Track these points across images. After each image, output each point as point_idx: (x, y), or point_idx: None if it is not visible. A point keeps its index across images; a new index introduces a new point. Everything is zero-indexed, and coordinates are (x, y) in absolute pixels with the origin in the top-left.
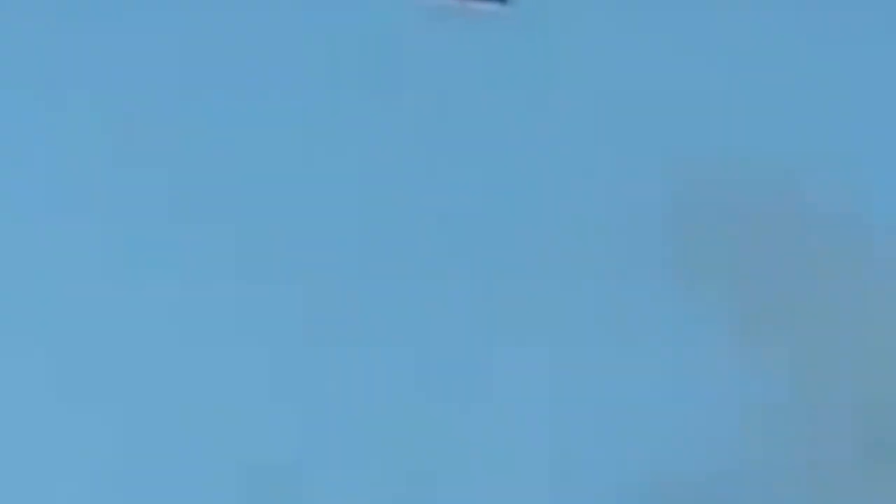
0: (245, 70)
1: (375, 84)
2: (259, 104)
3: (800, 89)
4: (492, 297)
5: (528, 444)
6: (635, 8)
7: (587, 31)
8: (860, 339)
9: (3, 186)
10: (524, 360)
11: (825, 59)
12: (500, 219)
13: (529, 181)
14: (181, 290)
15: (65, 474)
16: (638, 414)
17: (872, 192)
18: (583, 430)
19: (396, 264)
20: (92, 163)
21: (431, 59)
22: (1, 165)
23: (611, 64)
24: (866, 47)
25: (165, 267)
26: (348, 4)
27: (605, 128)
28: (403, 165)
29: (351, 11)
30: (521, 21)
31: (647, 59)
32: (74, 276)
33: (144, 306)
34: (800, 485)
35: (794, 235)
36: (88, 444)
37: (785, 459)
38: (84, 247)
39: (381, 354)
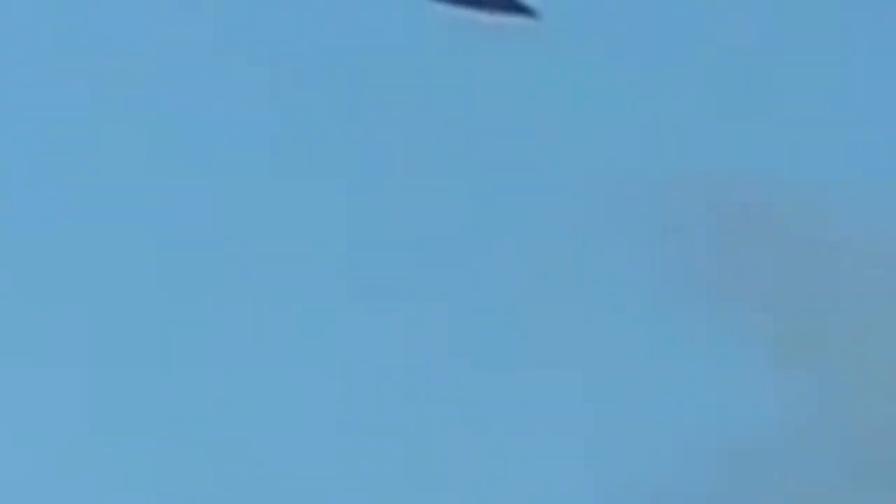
0: (257, 79)
1: (400, 95)
2: (278, 112)
3: (826, 115)
4: (522, 315)
5: (555, 456)
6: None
7: (607, 46)
8: (891, 360)
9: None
10: (559, 383)
11: (845, 87)
12: (516, 229)
13: (549, 193)
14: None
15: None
16: (665, 426)
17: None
18: (617, 442)
19: (400, 276)
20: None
21: (459, 73)
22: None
23: (626, 77)
24: (876, 69)
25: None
26: (376, 18)
27: (624, 141)
28: (422, 174)
29: (378, 25)
30: (548, 36)
31: (663, 71)
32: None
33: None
34: (821, 499)
35: (827, 258)
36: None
37: (808, 475)
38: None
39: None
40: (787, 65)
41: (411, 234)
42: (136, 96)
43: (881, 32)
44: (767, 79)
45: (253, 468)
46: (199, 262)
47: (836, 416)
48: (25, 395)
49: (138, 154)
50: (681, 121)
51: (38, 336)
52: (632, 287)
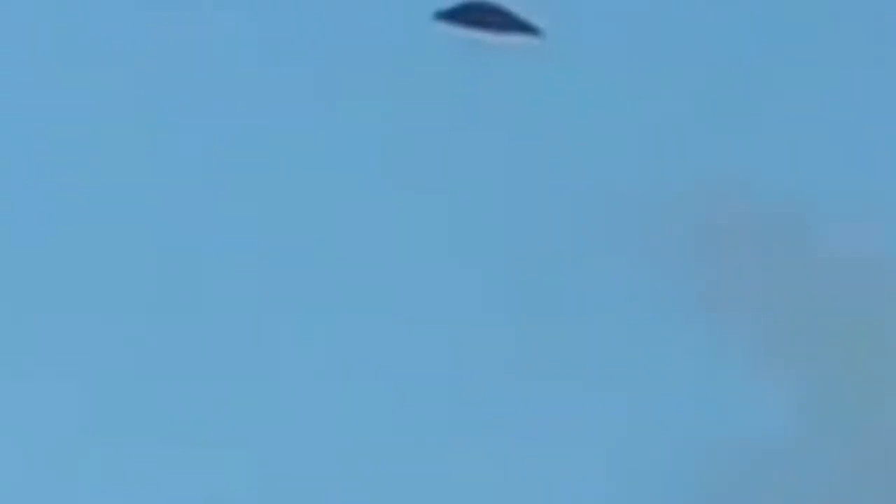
0: (258, 85)
1: (407, 115)
2: (280, 119)
3: (817, 127)
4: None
5: (550, 459)
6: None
7: (604, 58)
8: (879, 368)
9: None
10: (555, 391)
11: (836, 100)
12: (513, 235)
13: (544, 203)
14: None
15: None
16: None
17: (889, 229)
18: (614, 448)
19: (394, 285)
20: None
21: (460, 90)
22: None
23: (634, 90)
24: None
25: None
26: (382, 37)
27: (618, 153)
28: (420, 186)
29: (385, 44)
30: (552, 54)
31: (674, 83)
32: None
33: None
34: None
35: (824, 265)
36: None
37: (802, 479)
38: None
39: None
40: (778, 77)
41: (410, 243)
42: (135, 95)
43: (876, 45)
44: (759, 91)
45: (251, 470)
46: (197, 263)
47: (832, 421)
48: (24, 398)
49: (136, 154)
50: (673, 132)
51: (38, 337)
52: (627, 296)
